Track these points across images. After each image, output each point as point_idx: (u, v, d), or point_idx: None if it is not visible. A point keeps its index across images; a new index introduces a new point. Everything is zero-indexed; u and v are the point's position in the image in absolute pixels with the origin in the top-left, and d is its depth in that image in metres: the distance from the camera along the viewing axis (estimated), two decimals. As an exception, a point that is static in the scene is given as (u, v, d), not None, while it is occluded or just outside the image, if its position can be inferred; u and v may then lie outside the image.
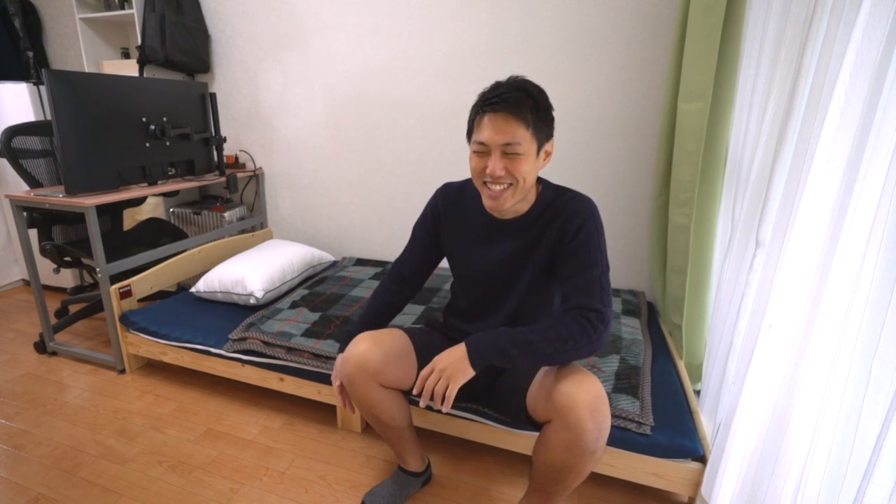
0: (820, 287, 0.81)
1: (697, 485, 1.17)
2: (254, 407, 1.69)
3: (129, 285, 1.86)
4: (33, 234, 2.02)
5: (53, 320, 2.13)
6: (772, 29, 1.10)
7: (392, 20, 2.13)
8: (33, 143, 2.04)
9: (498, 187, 0.99)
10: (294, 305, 1.84)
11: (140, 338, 1.80)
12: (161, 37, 2.21)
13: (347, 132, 2.37)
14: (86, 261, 2.00)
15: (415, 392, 0.97)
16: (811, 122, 0.84)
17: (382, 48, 2.18)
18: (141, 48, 2.25)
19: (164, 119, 1.97)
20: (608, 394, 1.28)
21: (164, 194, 2.39)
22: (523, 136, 0.94)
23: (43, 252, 1.96)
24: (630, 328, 1.68)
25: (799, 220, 0.85)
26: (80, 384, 1.82)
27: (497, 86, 0.97)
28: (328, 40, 2.26)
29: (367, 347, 1.08)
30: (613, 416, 1.20)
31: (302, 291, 1.98)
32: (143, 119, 1.90)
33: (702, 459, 1.18)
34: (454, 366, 0.94)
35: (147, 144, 1.92)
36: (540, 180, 1.10)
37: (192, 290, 1.99)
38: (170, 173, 2.07)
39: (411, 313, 1.78)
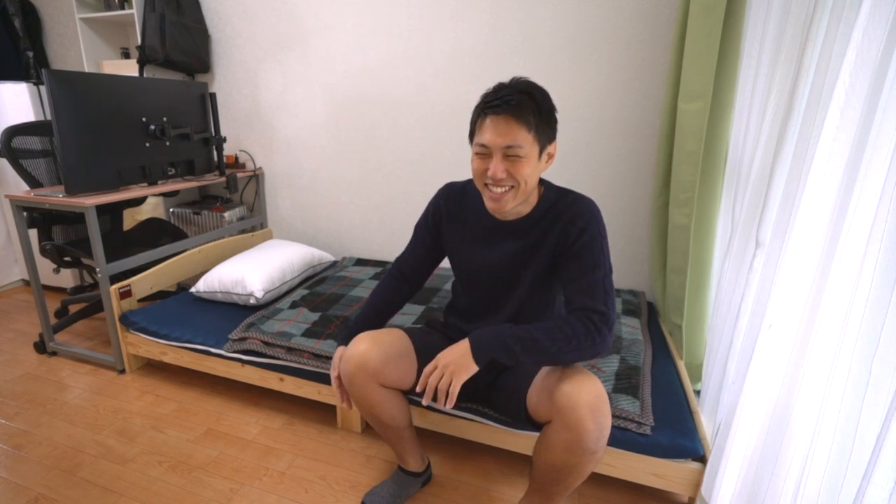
0: (820, 287, 0.81)
1: (697, 485, 1.17)
2: (254, 407, 1.69)
3: (129, 285, 1.86)
4: (33, 234, 2.02)
5: (53, 320, 2.13)
6: (772, 29, 1.10)
7: (392, 20, 2.13)
8: (33, 143, 2.04)
9: (499, 189, 0.99)
10: (294, 305, 1.84)
11: (140, 338, 1.80)
12: (161, 37, 2.21)
13: (347, 132, 2.37)
14: (86, 261, 2.00)
15: (418, 389, 0.97)
16: (811, 122, 0.84)
17: (382, 48, 2.18)
18: (141, 48, 2.25)
19: (164, 119, 1.97)
20: (608, 394, 1.28)
21: (164, 194, 2.39)
22: (525, 139, 0.94)
23: (43, 252, 1.96)
24: (630, 328, 1.68)
25: (799, 220, 0.85)
26: (79, 384, 1.82)
27: (500, 87, 0.96)
28: (328, 40, 2.26)
29: (367, 347, 1.08)
30: (613, 416, 1.20)
31: (302, 291, 1.98)
32: (143, 119, 1.90)
33: (702, 459, 1.18)
34: (457, 362, 0.94)
35: (147, 144, 1.92)
36: (542, 182, 1.10)
37: (192, 290, 1.99)
38: (170, 173, 2.07)
39: (411, 313, 1.78)
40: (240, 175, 2.40)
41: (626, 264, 2.07)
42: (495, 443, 1.35)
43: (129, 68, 2.44)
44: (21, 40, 2.77)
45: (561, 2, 1.88)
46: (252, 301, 1.86)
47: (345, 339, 1.20)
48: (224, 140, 2.31)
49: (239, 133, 2.59)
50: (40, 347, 2.04)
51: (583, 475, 0.97)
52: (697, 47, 1.37)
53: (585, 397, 0.90)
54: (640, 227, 2.01)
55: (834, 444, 0.76)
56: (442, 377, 0.94)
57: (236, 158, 2.57)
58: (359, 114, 2.31)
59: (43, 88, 2.47)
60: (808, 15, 0.87)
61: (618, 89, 1.90)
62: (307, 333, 1.61)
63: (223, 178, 2.26)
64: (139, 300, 1.94)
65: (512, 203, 1.01)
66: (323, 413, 1.63)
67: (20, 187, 2.31)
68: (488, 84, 1.00)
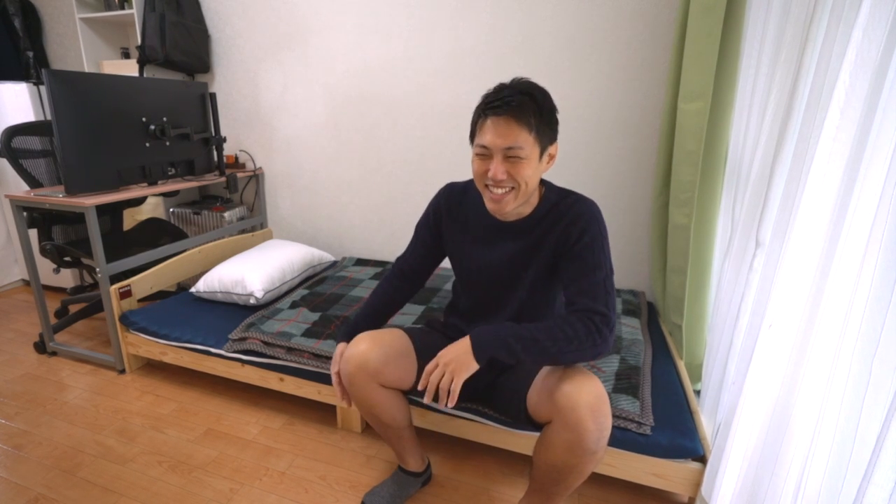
0: (820, 287, 0.81)
1: (697, 485, 1.17)
2: (254, 407, 1.69)
3: (129, 285, 1.86)
4: (33, 234, 2.02)
5: (53, 320, 2.13)
6: (772, 29, 1.10)
7: (392, 20, 2.13)
8: (33, 143, 2.04)
9: (500, 191, 0.99)
10: (294, 305, 1.84)
11: (140, 338, 1.80)
12: (161, 37, 2.21)
13: (347, 132, 2.37)
14: (86, 261, 2.00)
15: (419, 387, 0.97)
16: (811, 122, 0.84)
17: (382, 48, 2.18)
18: (141, 48, 2.25)
19: (164, 119, 1.97)
20: (608, 394, 1.28)
21: (164, 194, 2.39)
22: (526, 141, 0.93)
23: (43, 252, 1.96)
24: (630, 328, 1.68)
25: (799, 220, 0.85)
26: (80, 384, 1.82)
27: (501, 88, 0.96)
28: (328, 40, 2.26)
29: (368, 347, 1.08)
30: (613, 416, 1.20)
31: (302, 291, 1.98)
32: (143, 119, 1.90)
33: (702, 459, 1.18)
34: (458, 360, 0.94)
35: (147, 144, 1.92)
36: (543, 182, 1.10)
37: (192, 290, 1.99)
38: (170, 173, 2.07)
39: (411, 313, 1.78)
40: (240, 175, 2.40)
41: (626, 264, 2.07)
42: (495, 443, 1.35)
43: (129, 68, 2.44)
44: (21, 40, 2.77)
45: (561, 2, 1.88)
46: (252, 301, 1.86)
47: (345, 336, 1.20)
48: (224, 140, 2.31)
49: (239, 133, 2.59)
50: (40, 347, 2.04)
51: (583, 475, 0.97)
52: (697, 47, 1.37)
53: (586, 397, 0.90)
54: (640, 227, 2.01)
55: (834, 444, 0.76)
56: (443, 376, 0.94)
57: (236, 158, 2.57)
58: (359, 114, 2.32)
59: (43, 88, 2.47)
60: (808, 15, 0.87)
61: (618, 89, 1.90)
62: (307, 333, 1.61)
63: (223, 178, 2.26)
64: (139, 300, 1.94)
65: (513, 204, 1.01)
66: (323, 413, 1.63)
67: (20, 187, 2.31)
68: (488, 84, 1.00)
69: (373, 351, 1.07)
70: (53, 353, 2.04)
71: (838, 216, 0.78)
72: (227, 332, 1.67)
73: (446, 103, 2.15)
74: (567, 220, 1.03)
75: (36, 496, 1.30)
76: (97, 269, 1.78)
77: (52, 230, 2.02)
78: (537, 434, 1.03)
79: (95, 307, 2.15)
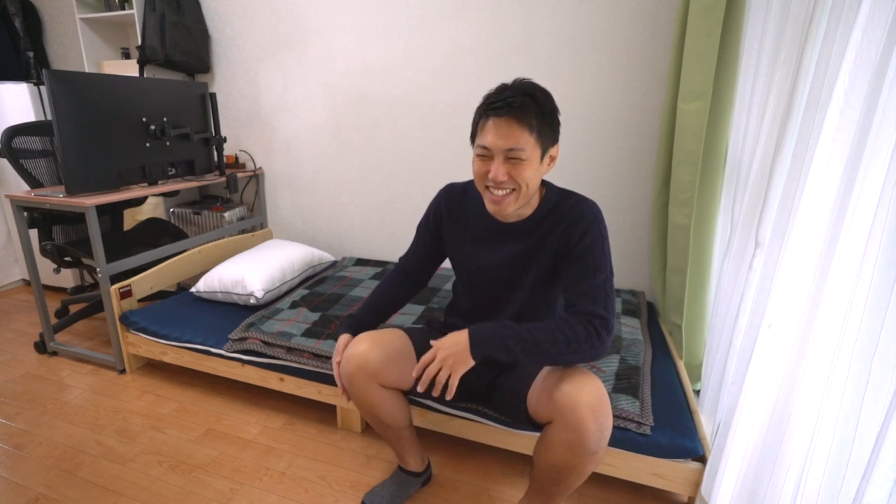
0: (820, 287, 0.81)
1: (697, 485, 1.17)
2: (254, 407, 1.69)
3: (129, 285, 1.86)
4: (34, 234, 2.02)
5: (54, 320, 2.13)
6: (771, 29, 1.10)
7: (392, 20, 2.13)
8: (33, 143, 2.04)
9: (500, 192, 0.98)
10: (294, 305, 1.84)
11: (140, 338, 1.80)
12: (161, 37, 2.22)
13: (347, 132, 2.37)
14: (86, 261, 2.00)
15: (414, 375, 0.97)
16: (811, 122, 0.84)
17: (382, 48, 2.18)
18: (141, 48, 2.25)
19: (164, 119, 1.97)
20: (608, 394, 1.28)
21: (164, 194, 2.39)
22: (527, 142, 0.93)
23: (43, 252, 1.97)
24: (630, 328, 1.68)
25: (798, 220, 0.85)
26: (80, 384, 1.82)
27: (502, 89, 0.96)
28: (328, 40, 2.26)
29: (368, 347, 1.08)
30: (613, 416, 1.20)
31: (302, 291, 1.98)
32: (143, 119, 1.90)
33: (702, 459, 1.18)
34: (455, 356, 0.94)
35: (147, 144, 1.92)
36: (544, 183, 1.10)
37: (192, 290, 1.99)
38: (170, 173, 2.07)
39: (411, 313, 1.78)
40: (240, 175, 2.40)
41: (626, 264, 2.07)
42: (495, 443, 1.35)
43: (129, 68, 2.44)
44: (21, 40, 2.77)
45: (561, 2, 1.88)
46: (252, 301, 1.86)
47: (349, 328, 1.20)
48: (224, 140, 2.31)
49: (239, 133, 2.60)
50: (41, 347, 2.04)
51: (583, 475, 0.97)
52: (697, 47, 1.37)
53: (586, 398, 0.90)
54: (640, 227, 2.01)
55: (833, 443, 0.76)
56: (440, 370, 0.94)
57: (236, 158, 2.57)
58: (359, 114, 2.32)
59: (43, 88, 2.48)
60: (808, 15, 0.87)
61: (618, 89, 1.90)
62: (307, 333, 1.62)
63: (223, 178, 2.26)
64: (139, 300, 1.94)
65: (513, 206, 1.00)
66: (323, 413, 1.64)
67: (20, 187, 2.31)
68: (489, 84, 1.00)
69: (373, 351, 1.07)
70: (54, 353, 2.04)
71: (838, 216, 0.78)
72: (227, 332, 1.67)
73: (446, 103, 2.15)
74: (568, 221, 1.03)
75: (36, 496, 1.30)
76: (97, 269, 1.78)
77: (53, 230, 2.02)
78: (537, 434, 1.03)
79: (96, 307, 2.15)
